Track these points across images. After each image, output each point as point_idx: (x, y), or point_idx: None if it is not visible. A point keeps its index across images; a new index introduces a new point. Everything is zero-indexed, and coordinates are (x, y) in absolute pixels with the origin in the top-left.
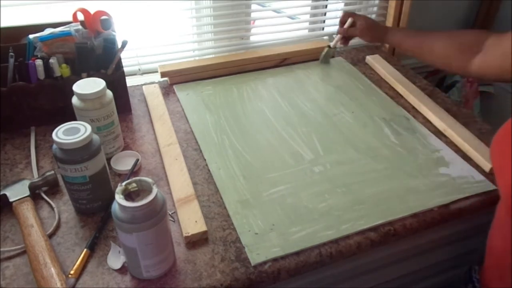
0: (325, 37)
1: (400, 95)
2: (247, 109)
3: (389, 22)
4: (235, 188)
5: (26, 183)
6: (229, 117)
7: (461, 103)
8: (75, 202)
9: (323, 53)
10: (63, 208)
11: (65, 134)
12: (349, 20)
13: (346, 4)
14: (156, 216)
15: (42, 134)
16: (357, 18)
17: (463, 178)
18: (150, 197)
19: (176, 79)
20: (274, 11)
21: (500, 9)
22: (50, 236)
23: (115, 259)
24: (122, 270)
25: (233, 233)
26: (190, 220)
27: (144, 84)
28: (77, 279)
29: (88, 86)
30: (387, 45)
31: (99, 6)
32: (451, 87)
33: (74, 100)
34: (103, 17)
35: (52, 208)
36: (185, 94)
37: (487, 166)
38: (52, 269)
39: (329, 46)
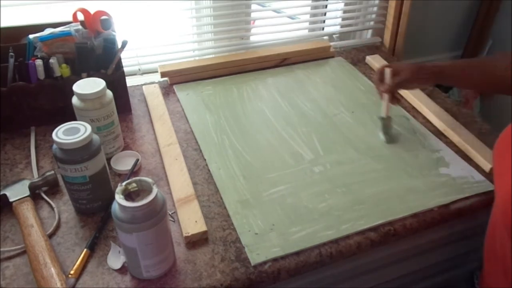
0: (325, 37)
1: (400, 95)
2: (247, 109)
3: (389, 22)
4: (235, 188)
5: (26, 183)
6: (229, 117)
7: (461, 103)
8: (75, 202)
9: (381, 131)
10: (63, 208)
11: (65, 134)
12: (388, 71)
13: (346, 4)
14: (156, 216)
15: (42, 134)
16: (396, 65)
17: (463, 178)
18: (150, 197)
19: (176, 79)
20: (274, 11)
21: (500, 9)
22: (50, 236)
23: (115, 259)
24: (122, 270)
25: (233, 233)
26: (190, 220)
27: (144, 84)
28: (77, 279)
29: (88, 86)
30: (387, 45)
31: (99, 6)
32: (451, 87)
33: (74, 100)
34: (103, 17)
35: (52, 208)
36: (185, 94)
37: (487, 166)
38: (52, 269)
39: (382, 118)
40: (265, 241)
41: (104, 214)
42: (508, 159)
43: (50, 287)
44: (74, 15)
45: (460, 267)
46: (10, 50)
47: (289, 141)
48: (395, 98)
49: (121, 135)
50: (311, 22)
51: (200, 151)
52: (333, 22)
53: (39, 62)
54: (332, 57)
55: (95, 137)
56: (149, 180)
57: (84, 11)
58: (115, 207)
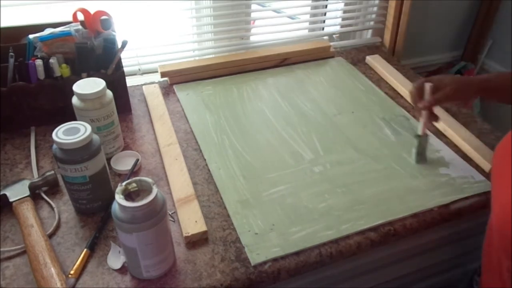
0: (325, 37)
1: (400, 95)
2: (247, 109)
3: (389, 22)
4: (235, 188)
5: (26, 183)
6: (229, 117)
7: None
8: (75, 202)
9: (415, 149)
10: (63, 208)
11: (65, 134)
12: (428, 86)
13: (346, 4)
14: (156, 216)
15: (42, 134)
16: (437, 80)
17: (463, 178)
18: (150, 197)
19: (176, 79)
20: (274, 11)
21: (500, 9)
22: (50, 236)
23: (115, 259)
24: (122, 270)
25: (233, 233)
26: (190, 220)
27: (144, 84)
28: (77, 279)
29: (88, 86)
30: (387, 45)
31: (99, 6)
32: None
33: (74, 100)
34: (103, 17)
35: (52, 208)
36: (185, 94)
37: (487, 166)
38: (52, 269)
39: (418, 136)
40: (265, 241)
41: (104, 214)
42: (507, 175)
43: (50, 287)
44: (74, 15)
45: (460, 267)
46: (10, 50)
47: (289, 141)
48: (433, 115)
49: (121, 135)
50: (311, 22)
51: (200, 151)
52: (333, 22)
53: (39, 62)
54: (332, 57)
55: (95, 137)
56: (149, 180)
57: (84, 11)
58: (115, 207)
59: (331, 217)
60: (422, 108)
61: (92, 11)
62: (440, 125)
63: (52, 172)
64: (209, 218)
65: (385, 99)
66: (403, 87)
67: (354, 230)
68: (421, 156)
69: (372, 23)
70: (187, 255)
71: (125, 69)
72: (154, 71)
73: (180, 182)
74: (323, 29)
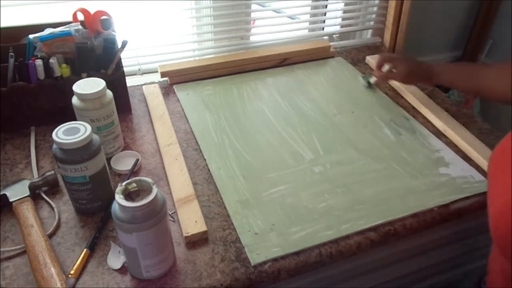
0: (325, 37)
1: (400, 95)
2: (247, 109)
3: (389, 22)
4: (235, 188)
5: (26, 183)
6: (229, 117)
7: (461, 103)
8: (75, 202)
9: (365, 83)
10: (63, 208)
11: (65, 134)
12: (386, 67)
13: (346, 4)
14: (156, 216)
15: (42, 134)
16: (397, 63)
17: (463, 178)
18: (150, 197)
19: (176, 79)
20: (274, 11)
21: (500, 9)
22: (50, 236)
23: (115, 259)
24: (122, 270)
25: (233, 233)
26: (190, 220)
27: (144, 84)
28: (77, 279)
29: (88, 86)
30: (387, 45)
31: (99, 6)
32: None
33: (74, 100)
34: (103, 17)
35: (52, 208)
36: (185, 94)
37: (487, 166)
38: (52, 269)
39: (368, 81)
40: (265, 241)
41: (104, 214)
42: (504, 177)
43: (50, 287)
44: (74, 15)
45: (460, 267)
46: (10, 50)
47: (289, 141)
48: (384, 80)
49: (121, 135)
50: (311, 22)
51: (200, 151)
52: (333, 22)
53: (39, 62)
54: (332, 57)
55: (95, 137)
56: (149, 180)
57: (84, 11)
58: (115, 207)
59: (331, 217)
60: (376, 77)
61: (92, 11)
62: (440, 125)
63: (52, 172)
64: (209, 218)
65: (385, 99)
66: (403, 87)
67: (354, 230)
68: (369, 87)
69: (372, 23)
70: (187, 255)
71: (125, 69)
72: (154, 71)
73: (180, 182)
74: (323, 29)
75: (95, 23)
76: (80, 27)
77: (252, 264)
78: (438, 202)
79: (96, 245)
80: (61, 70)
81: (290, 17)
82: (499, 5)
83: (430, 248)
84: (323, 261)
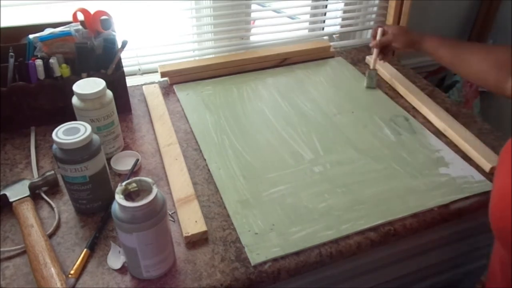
0: (325, 37)
1: (400, 95)
2: (247, 109)
3: (389, 22)
4: (235, 188)
5: (26, 183)
6: (229, 117)
7: (461, 103)
8: (75, 202)
9: (366, 77)
10: (63, 208)
11: (65, 134)
12: (379, 30)
13: (346, 4)
14: (156, 216)
15: (42, 134)
16: (388, 27)
17: (463, 178)
18: (150, 197)
19: (176, 79)
20: (274, 11)
21: (500, 9)
22: (50, 236)
23: (115, 259)
24: (122, 270)
25: (233, 233)
26: (190, 220)
27: (144, 84)
28: (77, 279)
29: (88, 86)
30: None
31: (99, 6)
32: (451, 87)
33: (74, 100)
34: (103, 17)
35: (52, 208)
36: (185, 94)
37: (487, 166)
38: (52, 269)
39: (369, 69)
40: (265, 241)
41: (104, 214)
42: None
43: (50, 287)
44: (74, 15)
45: (460, 267)
46: (10, 50)
47: (289, 141)
48: (382, 54)
49: (121, 135)
50: (311, 22)
51: (200, 151)
52: (333, 22)
53: (39, 62)
54: (332, 57)
55: (95, 137)
56: (149, 180)
57: (84, 11)
58: (115, 207)
59: (331, 217)
60: (373, 46)
61: (92, 11)
62: (440, 125)
63: (52, 172)
64: (209, 218)
65: (385, 99)
66: (403, 87)
67: (354, 230)
68: (370, 83)
69: (372, 23)
70: (187, 255)
71: (125, 69)
72: (154, 71)
73: (180, 182)
74: (323, 29)
75: (95, 23)
76: (80, 27)
77: (252, 264)
78: (438, 202)
79: (96, 245)
80: (61, 70)
81: (290, 17)
82: (499, 5)
83: (430, 248)
84: (323, 261)
